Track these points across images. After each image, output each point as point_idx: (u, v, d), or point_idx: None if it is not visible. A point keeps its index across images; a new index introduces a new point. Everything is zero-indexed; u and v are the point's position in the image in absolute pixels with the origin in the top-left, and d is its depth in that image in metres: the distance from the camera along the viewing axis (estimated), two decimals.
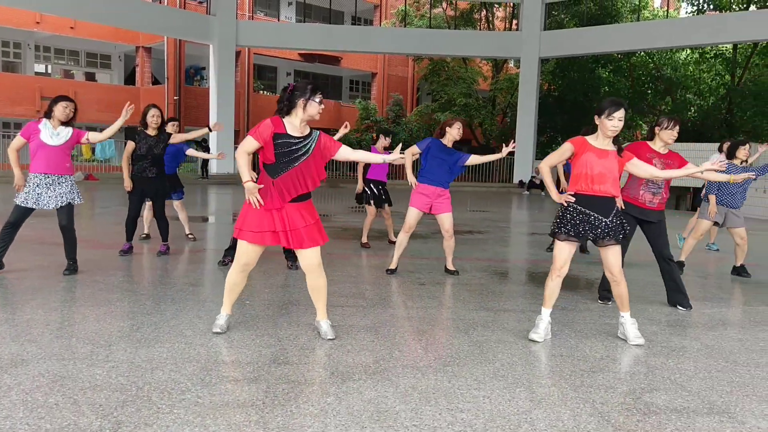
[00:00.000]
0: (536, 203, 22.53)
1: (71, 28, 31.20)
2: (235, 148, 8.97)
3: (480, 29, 36.65)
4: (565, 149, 4.92)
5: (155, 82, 34.93)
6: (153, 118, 7.81)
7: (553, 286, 4.92)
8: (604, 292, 6.35)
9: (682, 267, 8.22)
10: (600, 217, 4.80)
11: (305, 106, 4.50)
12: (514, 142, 7.10)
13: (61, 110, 6.55)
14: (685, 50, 33.48)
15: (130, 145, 7.79)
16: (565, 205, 4.90)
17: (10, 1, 23.61)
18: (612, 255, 4.88)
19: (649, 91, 35.30)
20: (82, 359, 4.04)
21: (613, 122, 4.72)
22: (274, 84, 38.44)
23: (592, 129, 5.01)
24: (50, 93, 30.49)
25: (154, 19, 27.07)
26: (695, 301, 6.48)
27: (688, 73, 34.05)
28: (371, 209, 9.43)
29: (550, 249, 9.68)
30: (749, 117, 31.49)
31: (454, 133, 7.13)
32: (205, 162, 27.61)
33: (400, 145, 5.55)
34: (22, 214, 6.55)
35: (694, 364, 4.47)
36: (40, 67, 35.07)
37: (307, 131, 4.61)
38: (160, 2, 32.23)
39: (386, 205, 9.46)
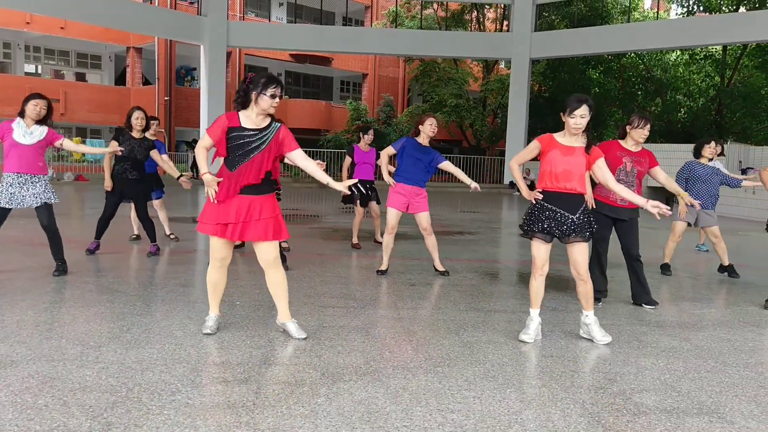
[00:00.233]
0: (526, 204, 22.55)
1: (62, 28, 31.09)
2: None
3: (471, 30, 36.73)
4: (532, 147, 4.97)
5: (146, 82, 34.84)
6: (137, 120, 7.79)
7: (537, 285, 4.93)
8: (595, 292, 6.36)
9: (668, 269, 8.25)
10: (566, 214, 4.80)
11: (257, 99, 4.48)
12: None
13: (31, 108, 6.51)
14: (675, 51, 33.66)
15: (113, 145, 7.77)
16: (534, 202, 4.92)
17: (2, 2, 23.48)
18: (578, 253, 4.87)
19: (639, 93, 35.44)
20: (72, 360, 4.03)
21: (575, 120, 4.72)
22: None
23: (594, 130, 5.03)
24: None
25: (145, 20, 27.00)
26: (685, 302, 6.51)
27: (678, 75, 34.22)
28: (359, 209, 9.44)
29: None
30: (738, 118, 31.67)
31: (427, 129, 7.17)
32: (195, 162, 27.58)
33: (334, 181, 4.86)
34: (0, 216, 6.49)
35: (683, 364, 4.49)
36: (30, 68, 34.93)
37: (265, 124, 4.58)
38: (151, 3, 32.15)
39: (374, 203, 9.46)
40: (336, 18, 40.27)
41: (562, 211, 4.80)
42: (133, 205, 9.15)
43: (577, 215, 4.80)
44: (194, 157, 25.04)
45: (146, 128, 8.00)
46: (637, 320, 5.72)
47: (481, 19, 37.65)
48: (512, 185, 29.27)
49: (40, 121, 6.62)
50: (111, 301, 5.66)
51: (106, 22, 26.22)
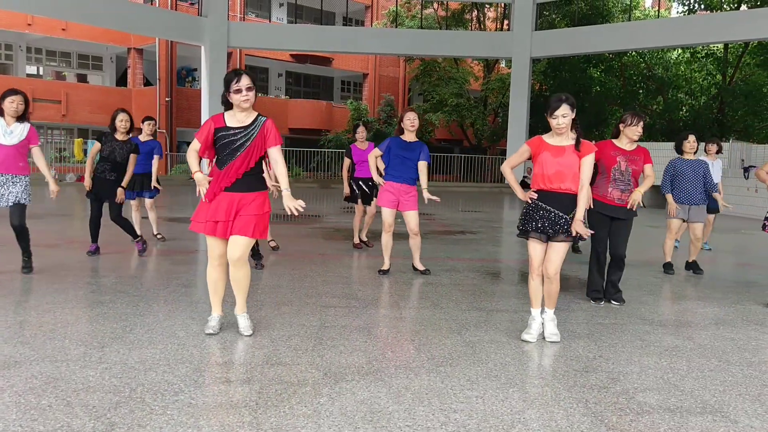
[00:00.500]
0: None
1: (63, 29, 31.08)
2: None
3: (471, 29, 36.71)
4: (522, 151, 4.99)
5: (147, 83, 34.82)
6: (121, 122, 7.82)
7: (535, 285, 4.94)
8: (594, 292, 6.38)
9: (671, 268, 8.24)
10: (560, 214, 4.79)
11: (228, 97, 4.55)
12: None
13: (8, 106, 6.48)
14: (676, 50, 33.61)
15: (96, 146, 7.89)
16: (529, 202, 4.91)
17: (2, 4, 23.50)
18: (556, 252, 4.84)
19: (641, 91, 35.41)
20: (75, 361, 4.03)
21: (556, 120, 4.72)
22: (265, 85, 38.37)
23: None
24: (42, 95, 30.46)
25: (146, 21, 26.99)
26: (688, 300, 6.50)
27: (679, 73, 34.18)
28: (359, 208, 9.43)
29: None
30: (740, 116, 31.64)
31: (407, 124, 7.23)
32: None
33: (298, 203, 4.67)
34: None
35: (687, 363, 4.49)
36: (31, 69, 34.92)
37: (250, 120, 4.60)
38: (152, 4, 32.15)
39: (373, 202, 9.45)
40: (336, 18, 40.25)
41: (557, 211, 4.79)
42: (134, 205, 9.19)
43: (571, 215, 4.80)
44: None
45: (130, 130, 8.00)
46: (639, 319, 5.71)
47: (482, 19, 37.61)
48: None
49: (20, 118, 6.58)
50: (113, 301, 5.66)
51: (107, 24, 26.20)
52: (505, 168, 5.19)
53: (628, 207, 6.13)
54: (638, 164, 6.13)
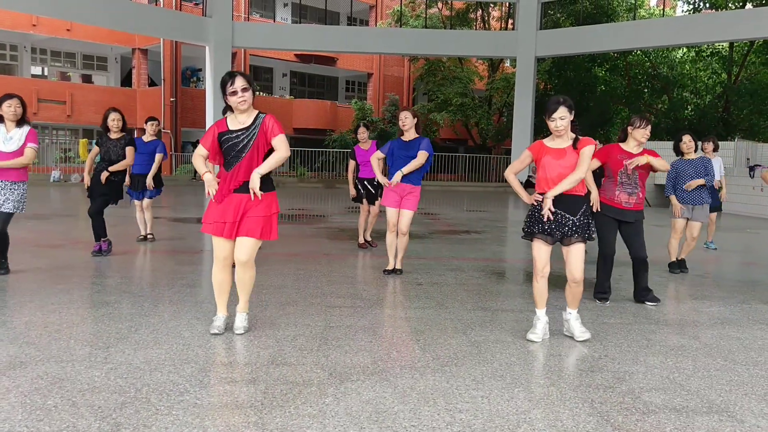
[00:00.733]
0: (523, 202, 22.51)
1: (68, 30, 31.13)
2: None
3: (476, 29, 36.67)
4: (525, 156, 4.99)
5: (152, 83, 34.87)
6: (113, 122, 7.92)
7: (540, 287, 4.92)
8: (599, 293, 6.37)
9: (676, 267, 8.22)
10: (567, 215, 4.79)
11: (226, 100, 4.57)
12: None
13: (6, 110, 6.47)
14: (681, 49, 33.52)
15: (95, 150, 8.02)
16: (535, 204, 4.90)
17: (6, 4, 23.54)
18: (575, 254, 4.83)
19: (646, 90, 35.33)
20: (81, 361, 4.04)
21: (554, 123, 4.72)
22: (270, 85, 38.40)
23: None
24: (47, 95, 30.53)
25: (150, 21, 27.01)
26: (693, 300, 6.49)
27: (684, 72, 34.10)
28: (365, 207, 9.45)
29: None
30: (746, 115, 31.54)
31: (400, 124, 7.22)
32: None
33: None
34: None
35: (693, 362, 4.48)
36: (36, 70, 35.00)
37: (251, 120, 4.60)
38: (156, 4, 32.20)
39: (377, 201, 9.44)
40: (341, 18, 40.24)
41: (563, 213, 4.78)
42: (138, 206, 9.21)
43: (578, 216, 4.79)
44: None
45: (123, 128, 8.04)
46: (645, 319, 5.70)
47: (486, 18, 37.58)
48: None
49: (20, 122, 6.57)
50: (119, 302, 5.67)
51: (111, 24, 26.23)
52: (509, 174, 5.18)
53: (627, 164, 6.09)
54: (644, 167, 6.13)
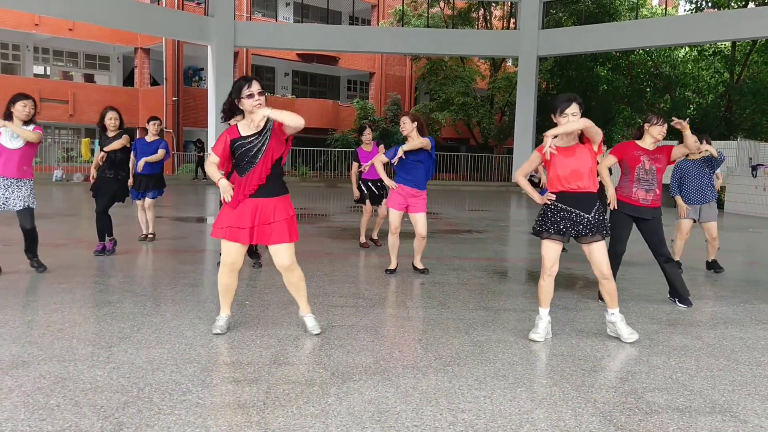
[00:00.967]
0: (535, 202, 22.51)
1: (70, 29, 31.16)
2: None
3: (478, 28, 36.64)
4: (534, 158, 4.99)
5: (154, 83, 34.90)
6: (111, 120, 7.95)
7: (546, 285, 4.92)
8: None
9: (679, 266, 8.21)
10: (582, 214, 4.79)
11: (240, 105, 4.55)
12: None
13: (20, 110, 6.54)
14: (683, 48, 33.48)
15: (100, 152, 8.02)
16: (547, 204, 4.90)
17: (8, 3, 23.57)
18: (598, 251, 4.84)
19: (648, 89, 35.27)
20: (83, 360, 4.04)
21: (567, 119, 4.72)
22: (272, 84, 38.41)
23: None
24: (49, 95, 30.55)
25: (153, 21, 27.02)
26: (696, 299, 6.47)
27: (686, 71, 34.04)
28: (368, 208, 9.45)
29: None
30: (748, 114, 31.47)
31: (404, 130, 7.18)
32: (201, 162, 27.67)
33: None
34: None
35: (695, 362, 4.47)
36: (39, 69, 35.03)
37: (262, 125, 4.57)
38: (158, 3, 32.22)
39: (384, 201, 9.43)
40: (342, 17, 40.24)
41: (577, 211, 4.78)
42: (139, 205, 9.22)
43: (593, 214, 4.79)
44: (199, 158, 25.37)
45: (120, 126, 8.06)
46: (648, 318, 5.69)
47: (488, 17, 37.56)
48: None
49: (27, 122, 6.62)
50: (121, 301, 5.68)
51: (113, 24, 26.24)
52: (518, 177, 5.21)
53: (674, 123, 6.07)
54: (661, 162, 6.12)
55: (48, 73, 35.30)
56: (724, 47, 32.43)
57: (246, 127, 4.59)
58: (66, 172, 25.92)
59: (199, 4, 32.83)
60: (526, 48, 29.41)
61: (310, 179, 29.72)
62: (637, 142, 6.22)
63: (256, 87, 4.50)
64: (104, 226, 8.05)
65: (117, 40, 32.64)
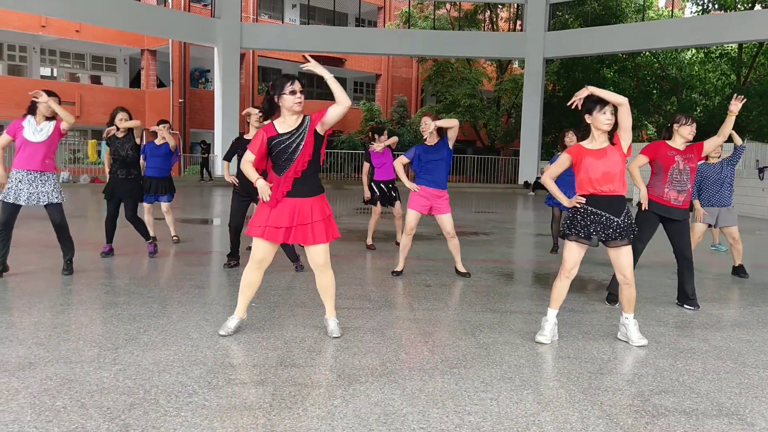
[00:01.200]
0: (542, 204, 22.49)
1: (77, 31, 31.29)
2: None
3: (484, 30, 36.66)
4: (563, 160, 4.99)
5: (160, 84, 35.01)
6: (120, 121, 7.90)
7: (561, 287, 4.91)
8: (612, 294, 6.33)
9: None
10: (612, 217, 4.78)
11: (280, 101, 4.58)
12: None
13: (44, 105, 6.63)
14: (690, 50, 33.45)
15: (107, 150, 8.04)
16: (577, 207, 4.89)
17: (15, 5, 23.68)
18: (624, 256, 4.83)
19: (655, 91, 35.26)
20: (90, 362, 4.05)
21: (606, 116, 4.73)
22: None
23: (584, 130, 4.97)
24: None
25: (159, 22, 27.13)
26: (703, 302, 6.45)
27: (693, 73, 34.02)
28: (377, 209, 9.43)
29: (554, 251, 9.67)
30: (755, 116, 31.43)
31: (425, 129, 7.19)
32: (206, 164, 27.69)
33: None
34: (10, 213, 6.57)
35: (702, 365, 4.45)
36: (45, 71, 35.18)
37: (299, 122, 4.64)
38: (165, 5, 32.30)
39: (398, 203, 9.40)
40: (349, 19, 40.31)
41: (608, 215, 4.77)
42: (146, 208, 9.24)
43: (622, 218, 4.78)
44: (203, 160, 25.31)
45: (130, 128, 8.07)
46: (655, 321, 5.68)
47: (495, 19, 37.59)
48: (527, 185, 29.18)
49: (50, 118, 6.72)
50: (127, 303, 5.68)
51: (120, 25, 26.37)
52: (546, 179, 5.28)
53: (735, 98, 6.15)
54: (693, 161, 6.11)
55: (55, 74, 35.46)
56: (731, 49, 32.39)
57: (283, 125, 4.62)
58: (72, 173, 25.98)
59: (205, 5, 32.91)
60: (533, 50, 29.44)
61: None
62: (668, 142, 6.19)
63: (298, 84, 4.57)
64: (140, 230, 8.09)
65: (123, 41, 32.77)
